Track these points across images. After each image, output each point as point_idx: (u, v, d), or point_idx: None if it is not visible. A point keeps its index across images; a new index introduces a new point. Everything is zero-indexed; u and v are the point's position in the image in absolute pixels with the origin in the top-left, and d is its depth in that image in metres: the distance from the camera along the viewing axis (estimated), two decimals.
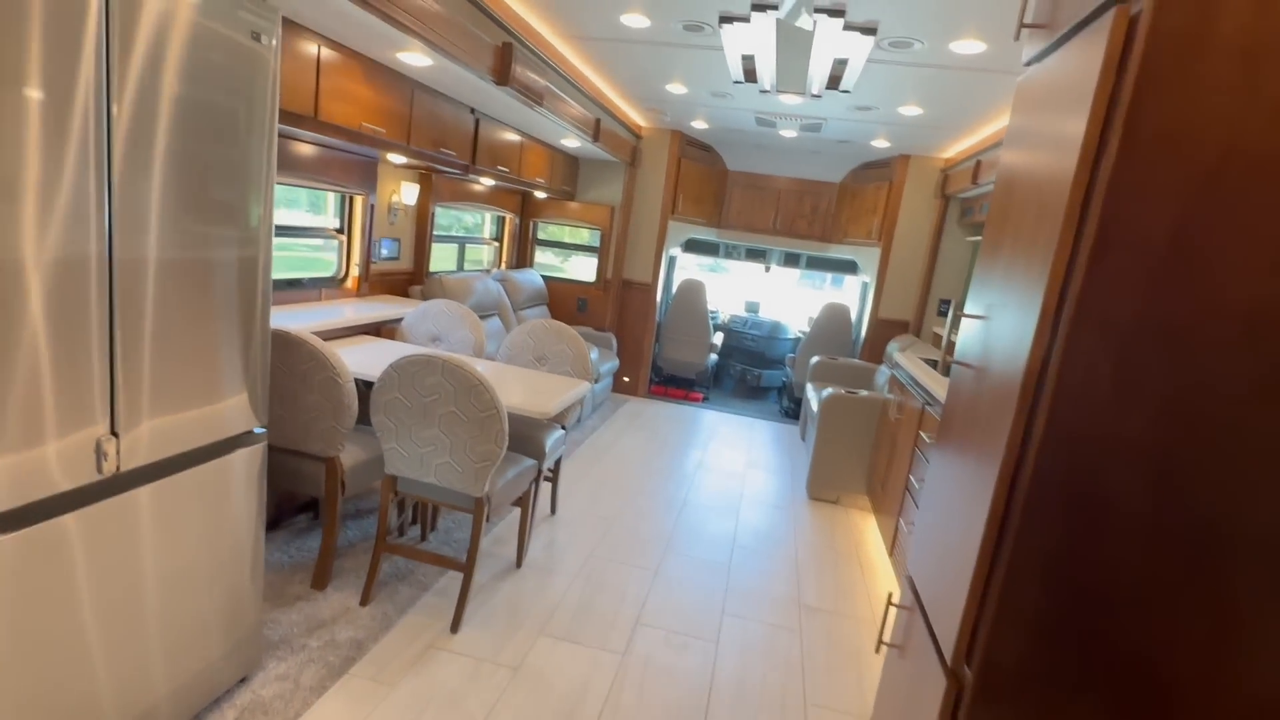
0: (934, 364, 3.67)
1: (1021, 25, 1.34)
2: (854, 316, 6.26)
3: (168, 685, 1.66)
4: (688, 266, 7.61)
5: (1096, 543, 1.04)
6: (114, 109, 1.30)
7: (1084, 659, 1.08)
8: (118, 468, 1.43)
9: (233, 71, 1.55)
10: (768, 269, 7.05)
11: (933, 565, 1.42)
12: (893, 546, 3.22)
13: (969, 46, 2.79)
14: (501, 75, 3.00)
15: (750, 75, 3.65)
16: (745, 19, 2.80)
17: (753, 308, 7.62)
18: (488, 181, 4.60)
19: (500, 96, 3.34)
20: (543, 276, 5.89)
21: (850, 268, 6.52)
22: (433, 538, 2.98)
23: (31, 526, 1.27)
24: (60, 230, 1.23)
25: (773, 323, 7.29)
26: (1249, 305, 0.94)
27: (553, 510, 3.44)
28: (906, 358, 3.79)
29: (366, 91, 2.85)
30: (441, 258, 4.77)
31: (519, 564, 2.86)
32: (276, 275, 3.28)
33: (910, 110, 4.00)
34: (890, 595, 1.64)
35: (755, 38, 2.98)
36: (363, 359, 2.73)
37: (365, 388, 2.63)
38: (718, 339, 6.77)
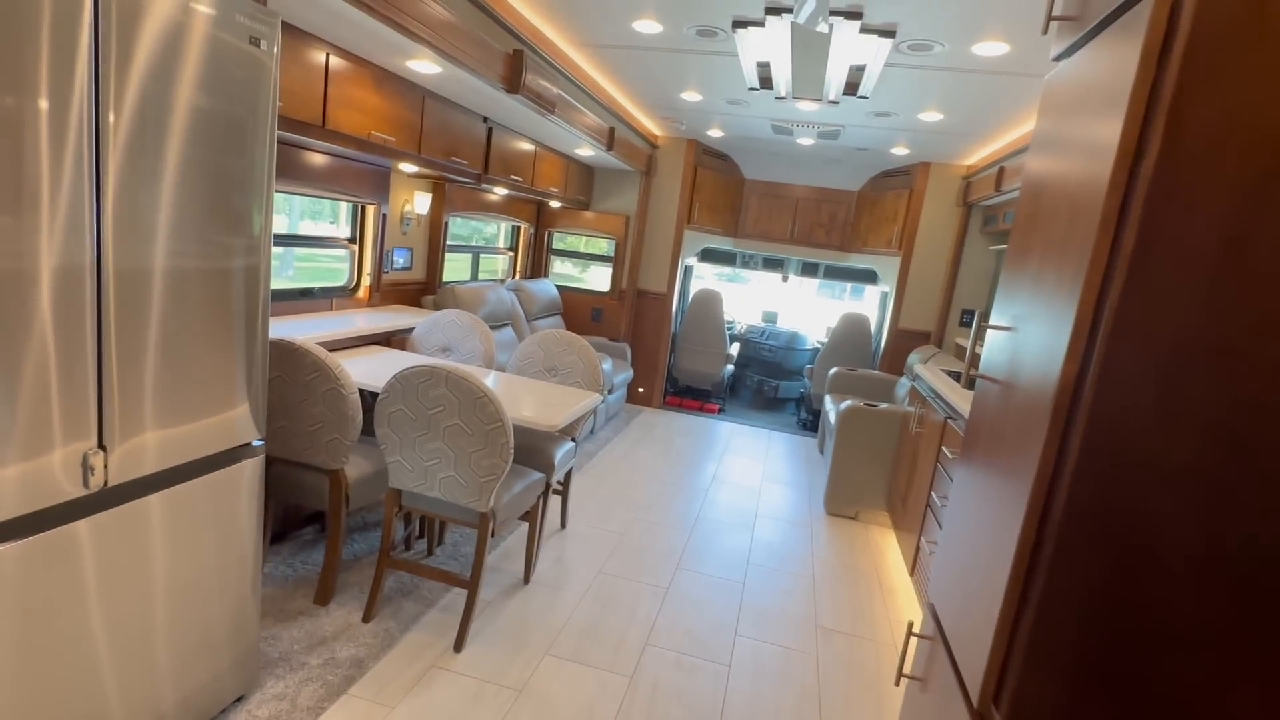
0: (956, 376, 3.56)
1: (1050, 18, 1.25)
2: (873, 327, 6.14)
3: (158, 706, 1.61)
4: (704, 276, 7.54)
5: (1139, 579, 0.95)
6: (110, 118, 1.28)
7: (1126, 707, 0.98)
8: (105, 482, 1.38)
9: (231, 77, 1.52)
10: (785, 279, 6.96)
11: (956, 594, 1.33)
12: (914, 566, 3.10)
13: (992, 48, 2.70)
14: (512, 83, 2.97)
15: (766, 82, 3.59)
16: (760, 23, 2.74)
17: (770, 318, 7.53)
18: (501, 191, 4.58)
19: (512, 105, 3.31)
20: (557, 286, 5.86)
21: (870, 277, 6.41)
22: (440, 552, 2.92)
23: (12, 542, 1.23)
24: (49, 240, 1.20)
25: (790, 333, 7.18)
26: None
27: (562, 524, 3.37)
28: (928, 370, 3.68)
29: (376, 100, 2.83)
30: (455, 268, 4.75)
31: (526, 580, 2.79)
32: (289, 285, 3.28)
33: (931, 116, 3.90)
34: (911, 624, 1.55)
35: (770, 43, 2.92)
36: (370, 370, 2.70)
37: (372, 399, 2.59)
38: (734, 349, 6.68)
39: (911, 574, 3.15)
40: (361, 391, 2.52)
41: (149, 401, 1.45)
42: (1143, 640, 0.96)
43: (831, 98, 3.69)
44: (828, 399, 5.07)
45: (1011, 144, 4.09)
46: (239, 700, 1.91)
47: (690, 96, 4.18)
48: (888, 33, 2.67)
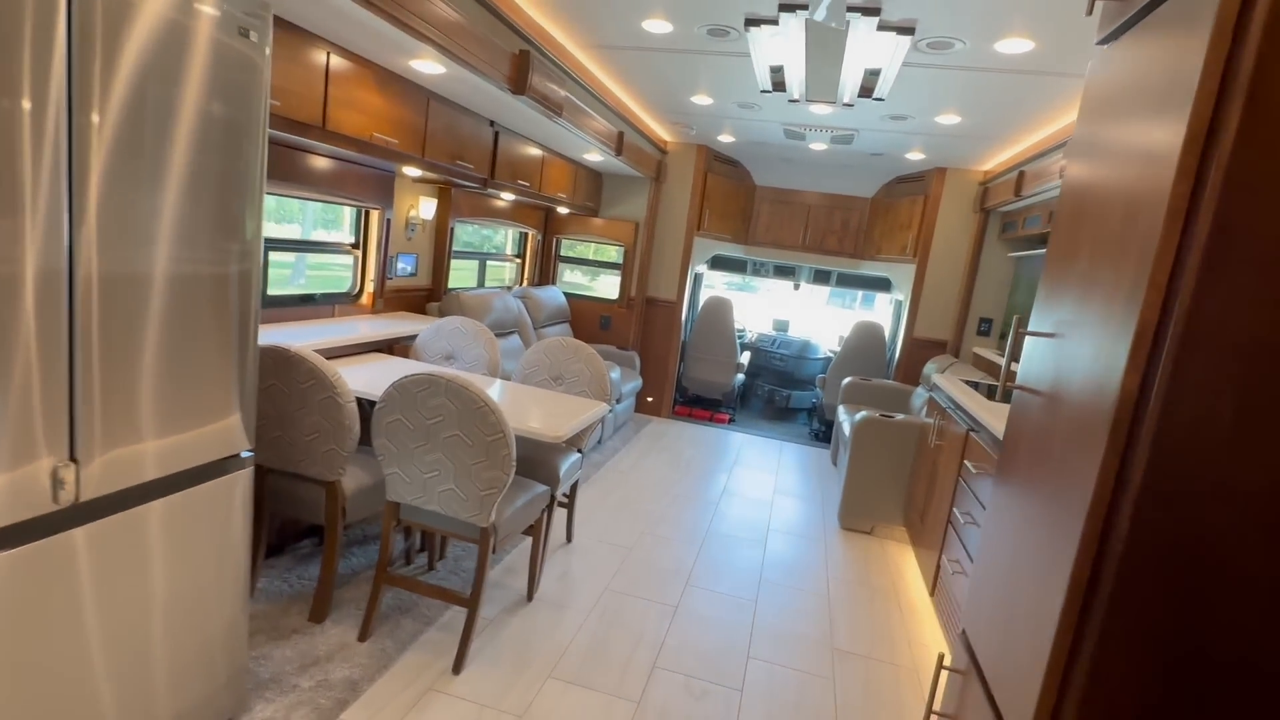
0: (976, 385, 3.43)
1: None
2: (887, 336, 6.02)
3: None
4: (714, 284, 7.44)
5: (1214, 618, 0.84)
6: (94, 117, 1.20)
7: None
8: (76, 497, 1.30)
9: (218, 71, 1.44)
10: (797, 286, 6.85)
11: (995, 626, 1.21)
12: (934, 585, 2.97)
13: (1015, 45, 2.60)
14: (518, 84, 2.90)
15: (778, 84, 3.50)
16: (773, 21, 2.65)
17: (781, 326, 7.41)
18: (508, 196, 4.51)
19: (519, 108, 3.23)
20: (565, 294, 5.78)
21: (883, 285, 6.29)
22: (441, 566, 2.83)
23: None
24: (19, 244, 1.12)
25: (802, 341, 7.07)
26: None
27: (568, 538, 3.26)
28: (947, 380, 3.56)
29: (379, 101, 2.77)
30: (462, 275, 4.68)
31: (530, 597, 2.69)
32: (291, 291, 3.21)
33: (948, 119, 3.80)
34: (941, 656, 1.43)
35: (784, 42, 2.83)
36: (370, 377, 2.61)
37: (371, 408, 2.50)
38: (745, 358, 6.56)
39: (932, 594, 3.01)
40: (360, 400, 2.43)
41: (127, 412, 1.37)
42: (1217, 687, 0.85)
43: (846, 100, 3.59)
44: (841, 409, 4.95)
45: (1032, 147, 3.97)
46: None
47: (701, 100, 4.10)
48: (906, 30, 2.57)
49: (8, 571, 1.20)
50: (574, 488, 3.23)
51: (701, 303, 6.47)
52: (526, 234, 5.52)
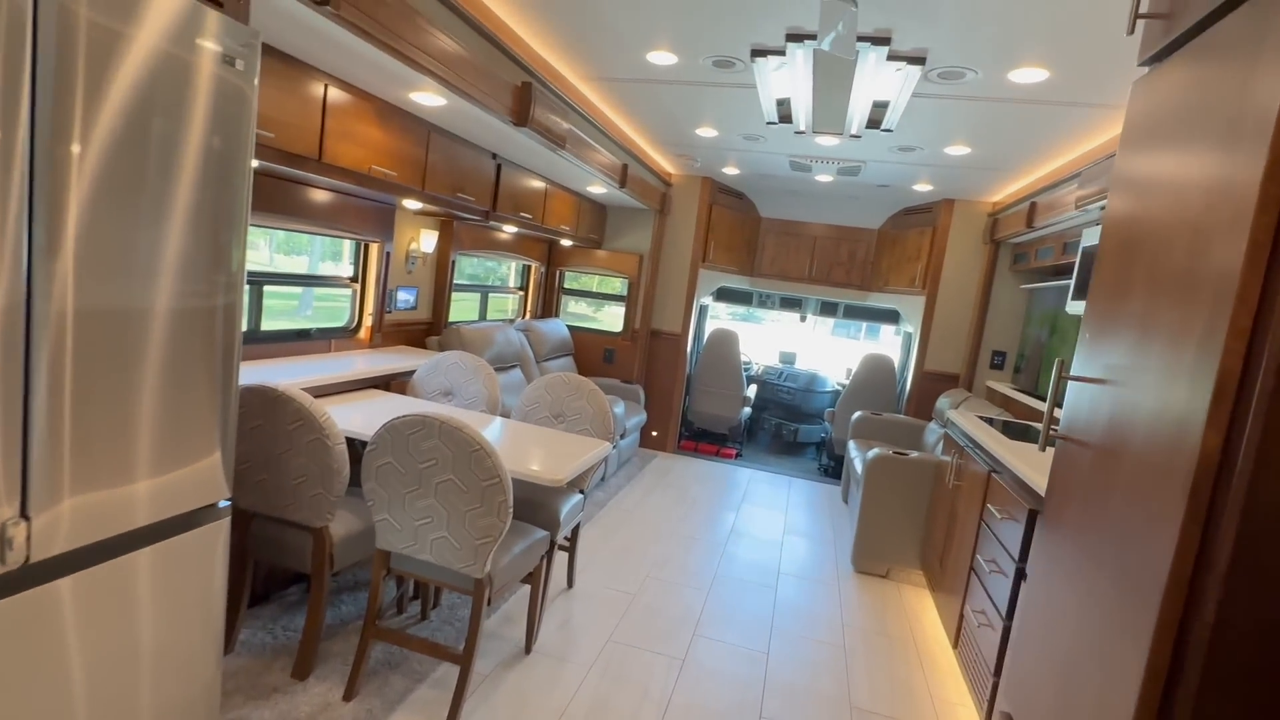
0: (991, 421, 3.31)
1: (1136, 16, 1.07)
2: (897, 369, 5.90)
3: None
4: (719, 316, 7.36)
5: None
6: (74, 149, 1.13)
7: None
8: (27, 557, 1.18)
9: (202, 101, 1.37)
10: (804, 318, 6.76)
11: (1049, 706, 1.07)
12: (957, 637, 2.80)
13: (1029, 75, 2.54)
14: (520, 116, 2.85)
15: (785, 115, 3.46)
16: (780, 52, 2.60)
17: (788, 358, 7.30)
18: (511, 229, 4.46)
19: (522, 140, 3.19)
20: (569, 326, 5.70)
21: (891, 317, 6.20)
22: (434, 616, 2.68)
23: None
24: None
25: (809, 374, 6.95)
26: None
27: (569, 584, 3.11)
28: (963, 416, 3.43)
29: (378, 133, 2.71)
30: (463, 307, 4.61)
31: (528, 649, 2.54)
32: (287, 325, 3.12)
33: (958, 150, 3.74)
34: None
35: (790, 72, 2.78)
36: (363, 416, 2.51)
37: (362, 449, 2.39)
38: (751, 391, 6.44)
39: (955, 646, 2.84)
40: (351, 441, 2.33)
41: (90, 460, 1.26)
42: None
43: (853, 131, 3.54)
44: (851, 445, 4.81)
45: (1044, 178, 3.90)
46: None
47: (706, 132, 4.06)
48: (917, 60, 2.51)
49: None
50: (575, 530, 3.09)
51: (707, 335, 6.37)
52: (529, 266, 5.47)
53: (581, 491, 2.93)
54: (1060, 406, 1.22)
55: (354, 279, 3.52)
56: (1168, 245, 0.91)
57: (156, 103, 1.28)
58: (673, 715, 2.27)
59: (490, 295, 5.07)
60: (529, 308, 5.57)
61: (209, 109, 1.39)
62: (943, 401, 4.67)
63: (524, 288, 5.53)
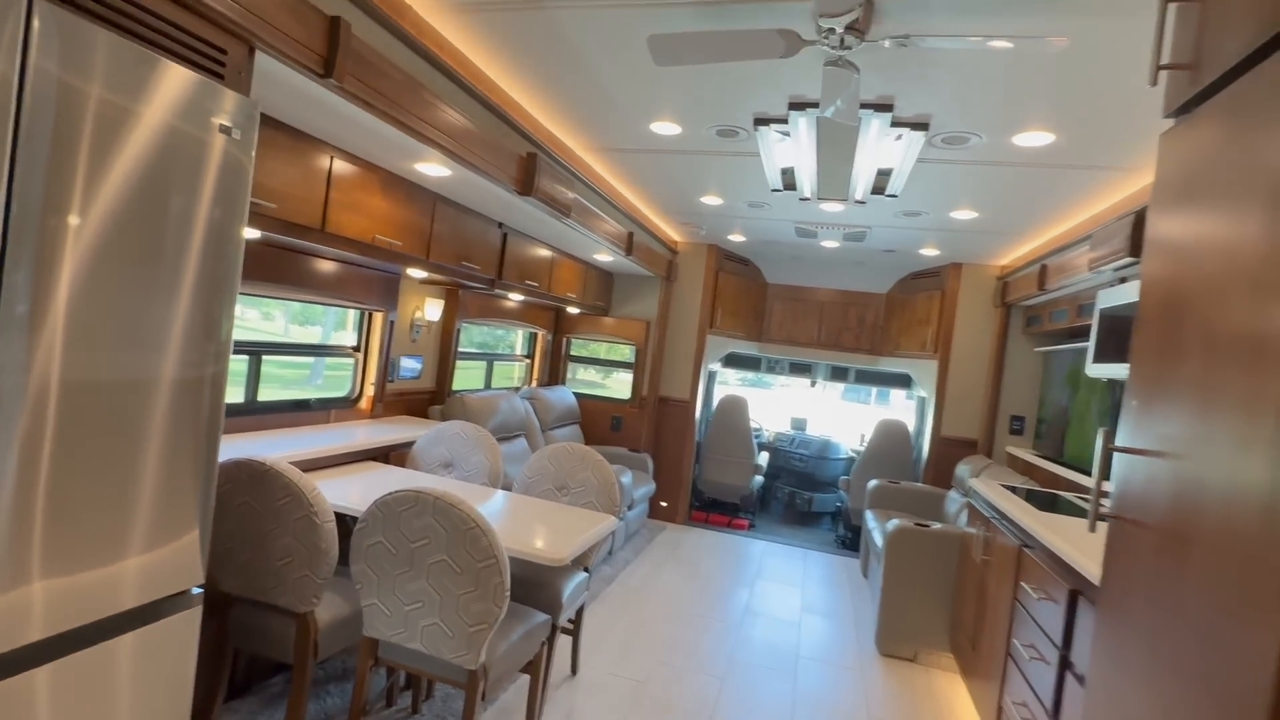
0: (1014, 490, 3.14)
1: (1158, 67, 1.02)
2: (912, 434, 5.74)
3: None
4: (729, 381, 7.27)
5: None
6: (71, 220, 1.09)
7: None
8: None
9: (195, 171, 1.34)
10: (814, 383, 6.66)
11: None
12: None
13: (1035, 139, 2.53)
14: (525, 186, 2.86)
15: (789, 183, 3.47)
16: (782, 119, 2.62)
17: (799, 424, 7.15)
18: (517, 297, 4.45)
19: (527, 209, 3.20)
20: (576, 394, 5.62)
21: (903, 381, 6.08)
22: (426, 709, 2.48)
23: None
24: None
25: (822, 441, 6.78)
26: None
27: (573, 670, 2.90)
28: (985, 485, 3.27)
29: (382, 203, 2.72)
30: (469, 376, 4.55)
31: None
32: (287, 395, 3.04)
33: (964, 214, 3.73)
34: None
35: (794, 140, 2.79)
36: (357, 490, 2.40)
37: (354, 525, 2.27)
38: (763, 459, 6.27)
39: None
40: (343, 517, 2.21)
41: (42, 545, 1.16)
42: None
43: (858, 198, 3.54)
44: (869, 515, 4.61)
45: (1053, 241, 3.87)
46: None
47: (711, 200, 4.09)
48: (920, 125, 2.52)
49: None
50: (580, 611, 2.90)
51: (715, 402, 6.27)
52: (536, 334, 5.44)
53: (586, 569, 2.77)
54: (1108, 478, 1.10)
55: (356, 348, 3.48)
56: (1223, 305, 0.83)
57: (148, 173, 1.25)
58: None
59: (496, 363, 5.02)
60: (535, 375, 5.51)
61: (202, 179, 1.36)
62: (962, 469, 4.50)
63: (530, 355, 5.49)
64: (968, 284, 5.10)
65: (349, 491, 2.38)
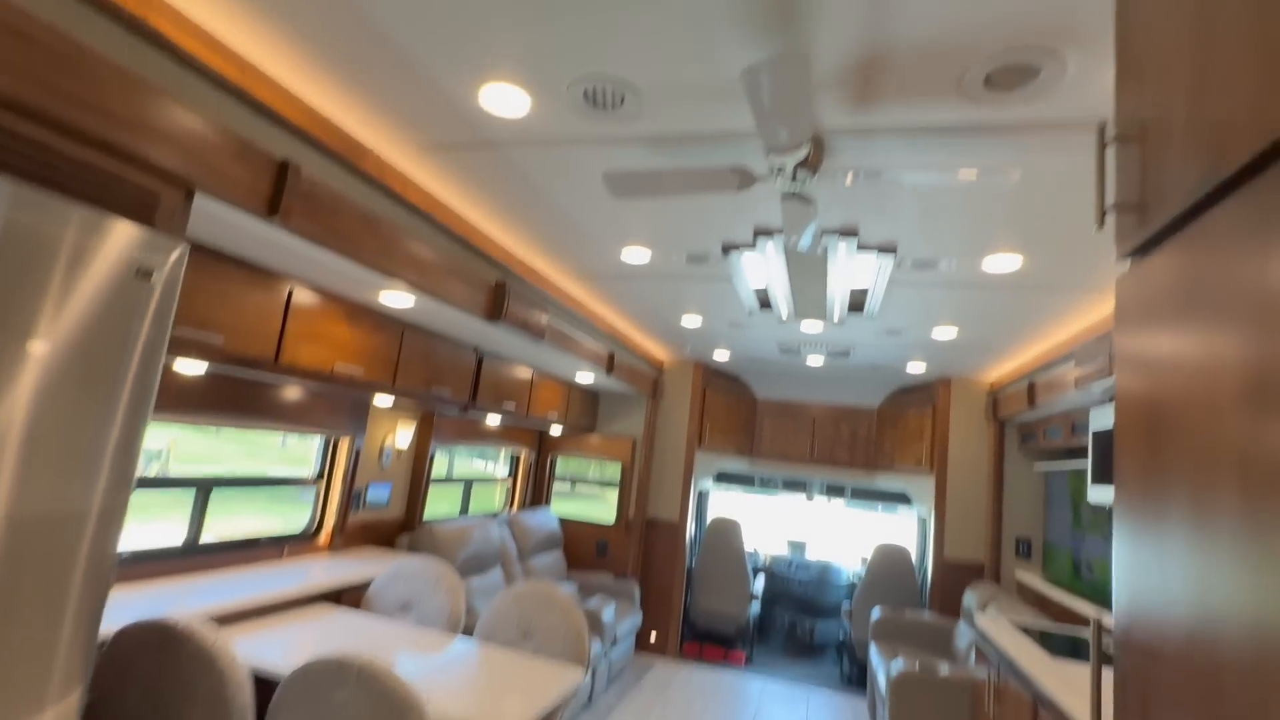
0: (1026, 630, 2.87)
1: (1103, 210, 0.96)
2: (914, 557, 5.43)
3: None
4: (721, 500, 7.00)
5: None
6: None
7: None
8: None
9: (109, 317, 1.27)
10: (810, 499, 6.41)
11: None
12: None
13: (1004, 262, 2.51)
14: (494, 313, 2.82)
15: (766, 304, 3.46)
16: (750, 245, 2.62)
17: (797, 547, 6.81)
18: (496, 419, 4.34)
19: (500, 333, 3.15)
20: (559, 517, 5.37)
21: (902, 499, 5.84)
22: None
23: None
24: None
25: (821, 565, 6.42)
26: None
27: None
28: (994, 625, 3.00)
29: (345, 332, 2.67)
30: (445, 500, 4.35)
31: None
32: (229, 537, 2.80)
33: (945, 332, 3.69)
34: None
35: (765, 264, 2.79)
36: (295, 645, 2.16)
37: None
38: (759, 584, 5.90)
39: None
40: (265, 682, 1.97)
41: None
42: None
43: (836, 319, 3.52)
44: (873, 650, 4.24)
45: (1040, 356, 3.81)
46: None
47: (691, 320, 4.07)
48: (888, 250, 2.51)
49: None
50: None
51: (707, 524, 5.99)
52: (518, 454, 5.28)
53: None
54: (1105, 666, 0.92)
55: (319, 476, 3.32)
56: (1208, 425, 0.70)
57: (56, 319, 1.17)
58: None
59: (475, 485, 4.82)
60: (517, 498, 5.29)
61: (118, 324, 1.29)
62: (969, 598, 4.19)
63: (513, 476, 5.30)
64: (958, 398, 5.00)
65: (284, 646, 2.15)
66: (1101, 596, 3.40)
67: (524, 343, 3.38)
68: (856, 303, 3.32)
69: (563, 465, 5.66)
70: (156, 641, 1.77)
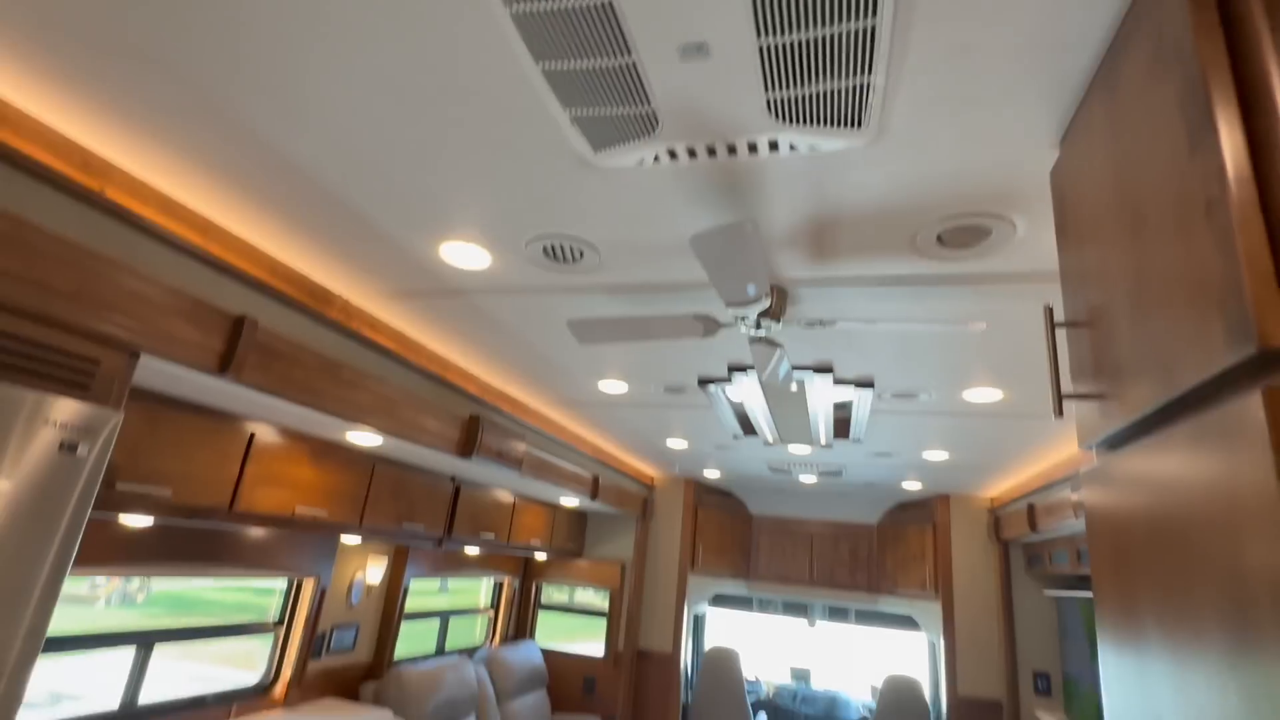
0: None
1: (1060, 397, 0.90)
2: (928, 692, 5.03)
3: None
4: (718, 619, 6.60)
5: None
6: None
7: None
8: None
9: (30, 488, 1.19)
10: (812, 624, 6.05)
11: None
12: None
13: (983, 394, 2.46)
14: (465, 449, 2.74)
15: (749, 430, 3.38)
16: (725, 380, 2.58)
17: (801, 674, 6.35)
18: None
19: (474, 464, 3.05)
20: (544, 650, 5.03)
21: (909, 623, 5.50)
22: None
23: None
24: None
25: (829, 696, 5.96)
26: None
27: None
28: None
29: (310, 473, 2.57)
30: (418, 638, 4.07)
31: None
32: (170, 697, 2.51)
33: (935, 454, 3.59)
34: None
35: (743, 395, 2.74)
36: None
37: None
38: None
39: None
40: None
41: None
42: None
43: (823, 443, 3.43)
44: None
45: (1037, 477, 3.68)
46: None
47: (676, 443, 3.98)
48: (865, 384, 2.46)
49: None
50: None
51: (703, 655, 5.61)
52: (502, 582, 5.01)
53: None
54: None
55: (279, 621, 3.10)
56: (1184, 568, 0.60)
57: None
58: None
59: (453, 617, 4.53)
60: (499, 629, 4.97)
61: (42, 494, 1.20)
62: None
63: (495, 605, 5.00)
64: (959, 516, 4.81)
65: None
66: None
67: (503, 471, 3.28)
68: (842, 429, 3.25)
69: (548, 594, 5.36)
70: None
